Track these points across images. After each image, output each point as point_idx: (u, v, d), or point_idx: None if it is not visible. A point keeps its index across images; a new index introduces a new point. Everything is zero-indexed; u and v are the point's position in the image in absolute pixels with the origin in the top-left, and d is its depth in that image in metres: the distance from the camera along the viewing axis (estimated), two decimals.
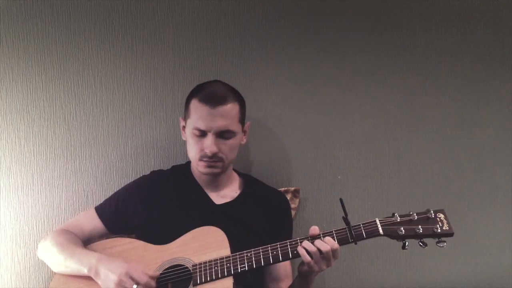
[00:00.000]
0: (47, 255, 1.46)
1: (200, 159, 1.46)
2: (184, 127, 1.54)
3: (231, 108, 1.45)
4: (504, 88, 1.90)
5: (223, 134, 1.45)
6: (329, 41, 1.82)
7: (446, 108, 1.88)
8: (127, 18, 1.73)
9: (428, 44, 1.86)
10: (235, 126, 1.47)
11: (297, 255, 1.32)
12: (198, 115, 1.44)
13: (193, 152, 1.48)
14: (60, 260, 1.41)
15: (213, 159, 1.45)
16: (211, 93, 1.45)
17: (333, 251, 1.30)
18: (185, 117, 1.52)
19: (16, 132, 1.70)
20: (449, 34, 1.87)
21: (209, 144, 1.43)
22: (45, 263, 1.52)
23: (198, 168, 1.49)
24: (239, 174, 1.64)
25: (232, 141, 1.47)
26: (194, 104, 1.46)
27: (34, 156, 1.71)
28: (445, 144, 1.88)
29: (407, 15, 1.85)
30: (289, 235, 1.59)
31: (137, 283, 1.28)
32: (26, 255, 1.71)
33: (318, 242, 1.30)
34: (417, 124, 1.87)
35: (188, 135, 1.49)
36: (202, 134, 1.44)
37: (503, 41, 1.89)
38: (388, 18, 1.85)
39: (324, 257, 1.29)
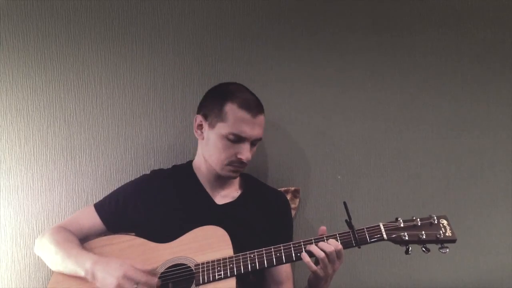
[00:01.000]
0: (45, 253, 1.45)
1: (229, 164, 1.46)
2: (200, 125, 1.51)
3: (263, 117, 1.49)
4: (504, 88, 1.91)
5: (254, 142, 1.47)
6: (329, 41, 1.82)
7: (446, 108, 1.88)
8: (127, 18, 1.72)
9: (428, 44, 1.87)
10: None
11: (300, 258, 1.31)
12: (239, 121, 1.42)
13: (222, 156, 1.45)
14: (57, 260, 1.39)
15: (242, 165, 1.47)
16: (249, 101, 1.45)
17: (337, 252, 1.30)
18: (210, 117, 1.47)
19: (16, 132, 1.70)
20: (449, 34, 1.87)
21: (246, 151, 1.44)
22: (44, 262, 1.52)
23: (221, 171, 1.48)
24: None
25: (255, 148, 1.51)
26: (233, 109, 1.42)
27: (34, 156, 1.71)
28: (445, 144, 1.89)
29: (407, 15, 1.85)
30: (289, 236, 1.59)
31: (137, 283, 1.26)
32: (26, 255, 1.71)
33: (321, 244, 1.30)
34: (417, 124, 1.87)
35: (216, 138, 1.45)
36: (238, 140, 1.43)
37: (503, 41, 1.89)
38: (388, 18, 1.85)
39: (329, 259, 1.29)
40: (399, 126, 1.87)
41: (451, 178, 1.90)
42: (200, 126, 1.51)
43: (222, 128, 1.43)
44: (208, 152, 1.49)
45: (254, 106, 1.44)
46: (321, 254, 1.29)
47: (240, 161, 1.45)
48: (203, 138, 1.51)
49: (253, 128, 1.43)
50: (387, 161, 1.87)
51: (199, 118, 1.51)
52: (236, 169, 1.47)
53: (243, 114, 1.42)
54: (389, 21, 1.85)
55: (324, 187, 1.85)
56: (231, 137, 1.42)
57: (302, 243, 1.33)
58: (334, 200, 1.83)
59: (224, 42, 1.78)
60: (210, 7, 1.76)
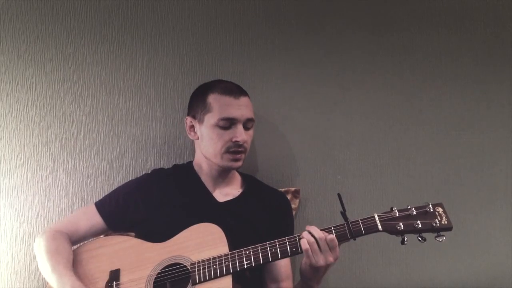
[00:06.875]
0: (38, 258, 1.44)
1: (226, 151, 1.46)
2: (192, 126, 1.53)
3: (249, 99, 1.52)
4: (504, 88, 1.90)
5: (247, 124, 1.48)
6: (329, 41, 1.82)
7: (446, 108, 1.88)
8: (127, 18, 1.73)
9: (428, 44, 1.86)
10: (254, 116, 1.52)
11: (295, 252, 1.31)
12: (225, 106, 1.45)
13: (218, 145, 1.46)
14: (45, 270, 1.39)
15: (240, 150, 1.46)
16: (229, 86, 1.50)
17: (329, 242, 1.29)
18: (198, 114, 1.50)
19: (16, 132, 1.71)
20: (449, 34, 1.87)
21: (240, 133, 1.45)
22: None
23: (221, 162, 1.48)
24: (240, 173, 1.64)
25: (251, 132, 1.52)
26: (215, 97, 1.47)
27: (34, 156, 1.72)
28: (445, 144, 1.88)
29: (407, 15, 1.85)
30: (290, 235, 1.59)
31: None
32: (26, 255, 1.71)
33: (311, 228, 1.31)
34: (417, 124, 1.87)
35: (208, 131, 1.47)
36: (230, 124, 1.45)
37: (503, 41, 1.89)
38: (388, 18, 1.85)
39: (319, 246, 1.29)
40: (399, 126, 1.86)
41: (451, 178, 1.88)
42: (192, 128, 1.54)
43: (211, 118, 1.46)
44: (205, 147, 1.50)
45: (235, 90, 1.49)
46: (310, 239, 1.29)
47: (237, 144, 1.45)
48: (197, 138, 1.53)
49: (239, 109, 1.46)
50: (387, 161, 1.86)
51: (188, 120, 1.55)
52: (235, 157, 1.47)
53: (226, 99, 1.46)
54: (389, 21, 1.85)
55: (324, 187, 1.84)
56: (221, 123, 1.45)
57: (297, 237, 1.32)
58: (334, 200, 1.81)
59: (224, 42, 1.79)
60: (210, 7, 1.76)
